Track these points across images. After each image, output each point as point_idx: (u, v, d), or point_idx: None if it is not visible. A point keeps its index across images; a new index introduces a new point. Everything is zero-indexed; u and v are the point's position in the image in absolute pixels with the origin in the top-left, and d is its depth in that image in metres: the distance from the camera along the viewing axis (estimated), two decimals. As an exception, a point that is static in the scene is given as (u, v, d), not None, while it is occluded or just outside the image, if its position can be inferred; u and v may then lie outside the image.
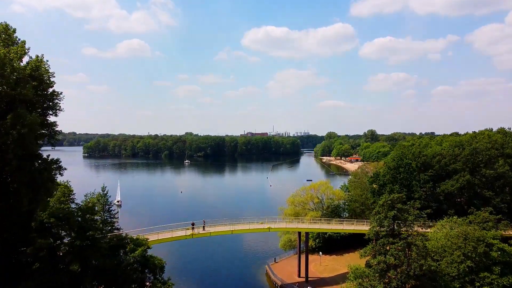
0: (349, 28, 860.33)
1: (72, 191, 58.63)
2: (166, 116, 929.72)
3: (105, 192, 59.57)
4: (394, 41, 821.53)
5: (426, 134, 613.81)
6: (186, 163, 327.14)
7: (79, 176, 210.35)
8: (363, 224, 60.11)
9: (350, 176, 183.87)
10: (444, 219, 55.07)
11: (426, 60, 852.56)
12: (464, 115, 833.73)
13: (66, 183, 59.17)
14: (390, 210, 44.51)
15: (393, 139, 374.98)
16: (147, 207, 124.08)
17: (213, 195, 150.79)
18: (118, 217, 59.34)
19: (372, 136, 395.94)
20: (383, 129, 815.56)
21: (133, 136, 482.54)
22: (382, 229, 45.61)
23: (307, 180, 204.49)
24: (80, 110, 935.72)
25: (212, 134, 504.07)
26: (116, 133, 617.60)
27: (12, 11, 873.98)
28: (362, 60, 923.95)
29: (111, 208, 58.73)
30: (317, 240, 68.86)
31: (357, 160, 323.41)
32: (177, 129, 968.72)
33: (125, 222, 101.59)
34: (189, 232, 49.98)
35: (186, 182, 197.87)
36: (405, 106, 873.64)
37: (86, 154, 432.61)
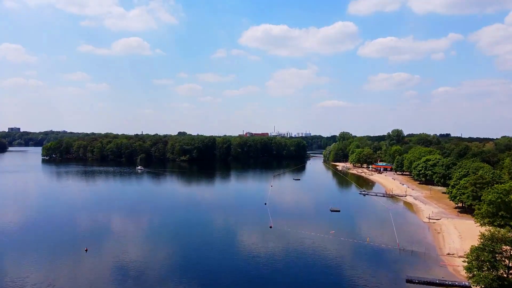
0: (352, 27, 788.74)
1: None
2: (166, 115, 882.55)
3: None
4: (395, 41, 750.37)
5: (441, 136, 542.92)
6: (139, 170, 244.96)
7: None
8: None
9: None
10: None
11: (428, 60, 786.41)
12: (466, 117, 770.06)
13: None
14: None
15: (426, 141, 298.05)
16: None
17: (151, 261, 73.36)
18: None
19: (398, 138, 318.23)
20: (384, 130, 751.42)
21: (106, 135, 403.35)
22: None
23: (332, 211, 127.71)
24: (77, 108, 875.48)
25: (214, 134, 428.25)
26: (103, 132, 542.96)
27: (5, 7, 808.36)
28: (363, 59, 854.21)
29: None
30: None
31: (386, 169, 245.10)
32: (176, 129, 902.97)
33: None
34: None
35: (119, 217, 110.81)
36: (406, 106, 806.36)
37: (46, 157, 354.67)
